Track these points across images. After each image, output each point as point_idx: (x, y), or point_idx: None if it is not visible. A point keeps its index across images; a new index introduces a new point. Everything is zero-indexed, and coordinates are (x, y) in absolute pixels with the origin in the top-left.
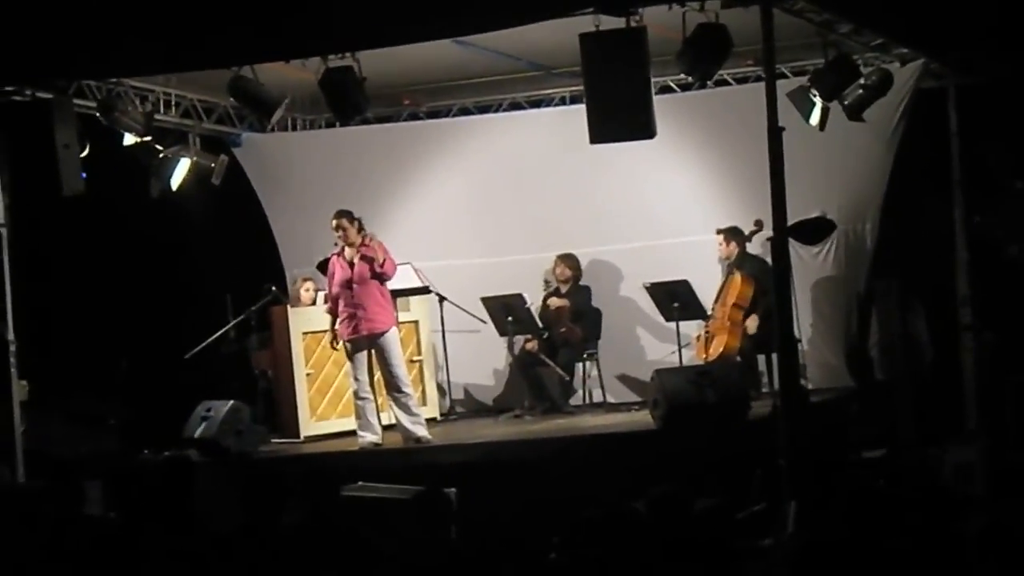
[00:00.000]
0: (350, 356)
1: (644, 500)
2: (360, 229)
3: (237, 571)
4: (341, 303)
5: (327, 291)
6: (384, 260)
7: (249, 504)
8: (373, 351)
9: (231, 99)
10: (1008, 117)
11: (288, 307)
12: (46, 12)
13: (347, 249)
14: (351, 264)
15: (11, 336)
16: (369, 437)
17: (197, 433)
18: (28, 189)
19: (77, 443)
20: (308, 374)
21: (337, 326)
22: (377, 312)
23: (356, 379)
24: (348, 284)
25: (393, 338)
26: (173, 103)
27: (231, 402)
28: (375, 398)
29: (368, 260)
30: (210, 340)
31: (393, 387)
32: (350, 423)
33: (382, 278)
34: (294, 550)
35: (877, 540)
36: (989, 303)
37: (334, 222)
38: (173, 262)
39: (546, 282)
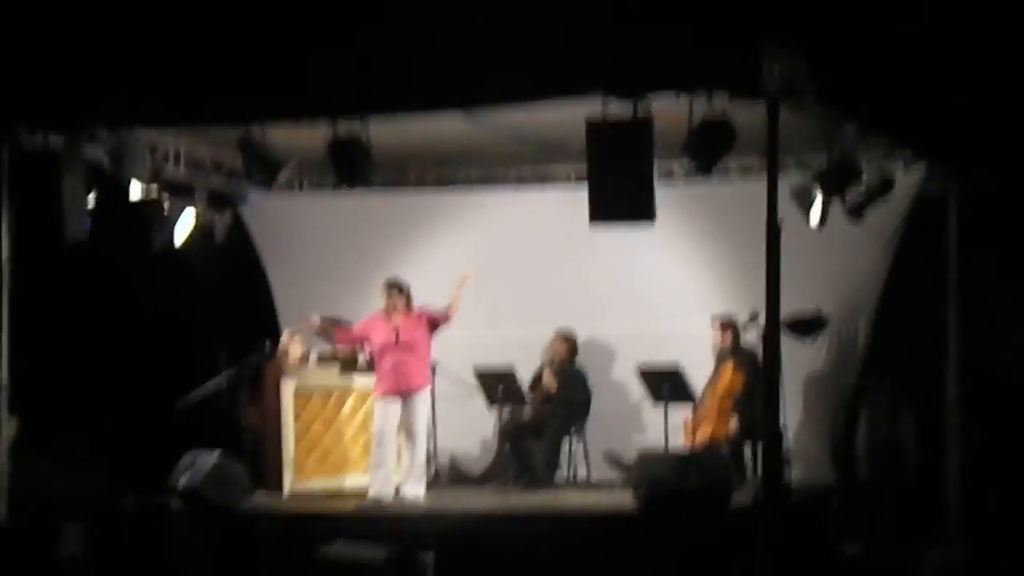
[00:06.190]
0: (380, 408)
1: None
2: (408, 302)
3: None
4: (382, 362)
5: (366, 346)
6: (437, 315)
7: (221, 558)
8: (404, 405)
9: (240, 156)
10: (1007, 226)
11: (279, 365)
12: (61, 59)
13: (393, 315)
14: (396, 331)
15: (3, 374)
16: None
17: (181, 482)
18: (33, 233)
19: (62, 484)
20: (295, 432)
21: (375, 382)
22: (418, 368)
23: (383, 429)
24: (392, 347)
25: (425, 396)
26: (182, 156)
27: (218, 453)
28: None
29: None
30: (202, 391)
31: (409, 441)
32: (335, 482)
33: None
34: None
35: None
36: (977, 409)
37: (390, 291)
38: (171, 312)
39: (545, 359)
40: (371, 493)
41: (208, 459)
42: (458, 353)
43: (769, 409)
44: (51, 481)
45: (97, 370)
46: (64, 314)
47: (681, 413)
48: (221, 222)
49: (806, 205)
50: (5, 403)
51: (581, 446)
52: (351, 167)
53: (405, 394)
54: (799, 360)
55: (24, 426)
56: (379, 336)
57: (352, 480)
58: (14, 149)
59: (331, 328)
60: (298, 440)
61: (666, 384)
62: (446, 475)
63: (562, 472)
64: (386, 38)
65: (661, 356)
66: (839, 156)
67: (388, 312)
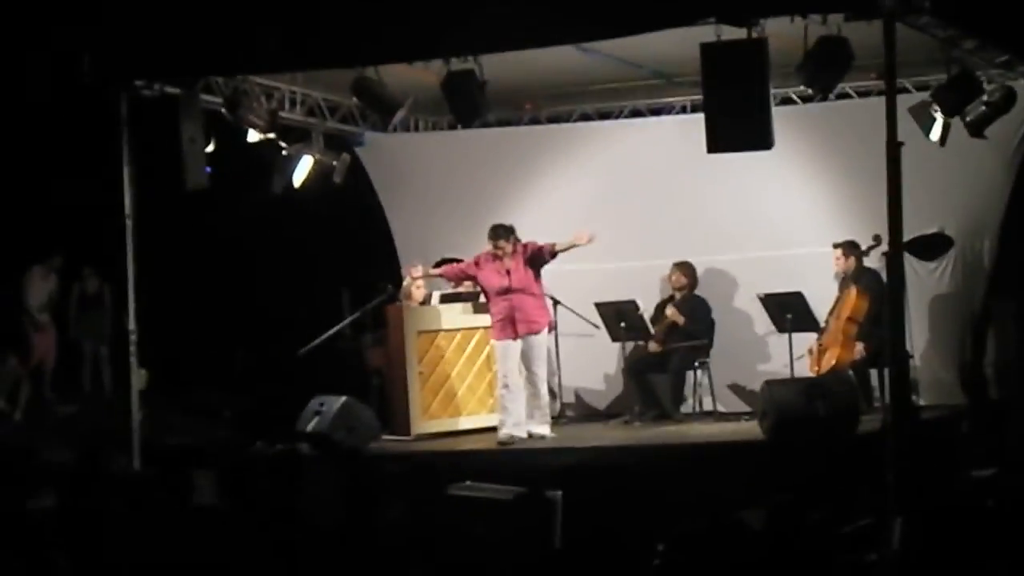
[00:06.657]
0: (501, 351)
1: (759, 509)
2: (515, 241)
3: (336, 565)
4: (498, 306)
5: (481, 288)
6: (540, 247)
7: (351, 499)
8: (525, 345)
9: (354, 98)
10: None
11: (402, 306)
12: (175, 10)
13: (503, 259)
14: (507, 273)
15: (132, 325)
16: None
17: (309, 427)
18: (154, 183)
19: (192, 433)
20: (420, 373)
21: (492, 327)
22: (535, 307)
23: (507, 370)
24: (506, 291)
25: (545, 334)
26: (298, 101)
27: (344, 398)
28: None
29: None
30: (325, 336)
31: (533, 380)
32: (460, 423)
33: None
34: (393, 546)
35: (980, 560)
36: None
37: (496, 235)
38: (292, 257)
39: (668, 290)
40: (499, 434)
41: (335, 403)
42: (579, 288)
43: (895, 333)
44: (182, 430)
45: (222, 317)
46: (188, 263)
47: (806, 340)
48: (339, 165)
49: (926, 124)
50: (135, 351)
51: (706, 377)
52: (465, 104)
53: (526, 335)
54: (924, 282)
55: (154, 376)
56: (491, 280)
57: (477, 420)
58: (133, 100)
59: (437, 270)
60: (423, 382)
61: (789, 311)
62: (572, 411)
63: (688, 404)
64: None
65: (783, 283)
66: (958, 73)
67: (497, 257)
